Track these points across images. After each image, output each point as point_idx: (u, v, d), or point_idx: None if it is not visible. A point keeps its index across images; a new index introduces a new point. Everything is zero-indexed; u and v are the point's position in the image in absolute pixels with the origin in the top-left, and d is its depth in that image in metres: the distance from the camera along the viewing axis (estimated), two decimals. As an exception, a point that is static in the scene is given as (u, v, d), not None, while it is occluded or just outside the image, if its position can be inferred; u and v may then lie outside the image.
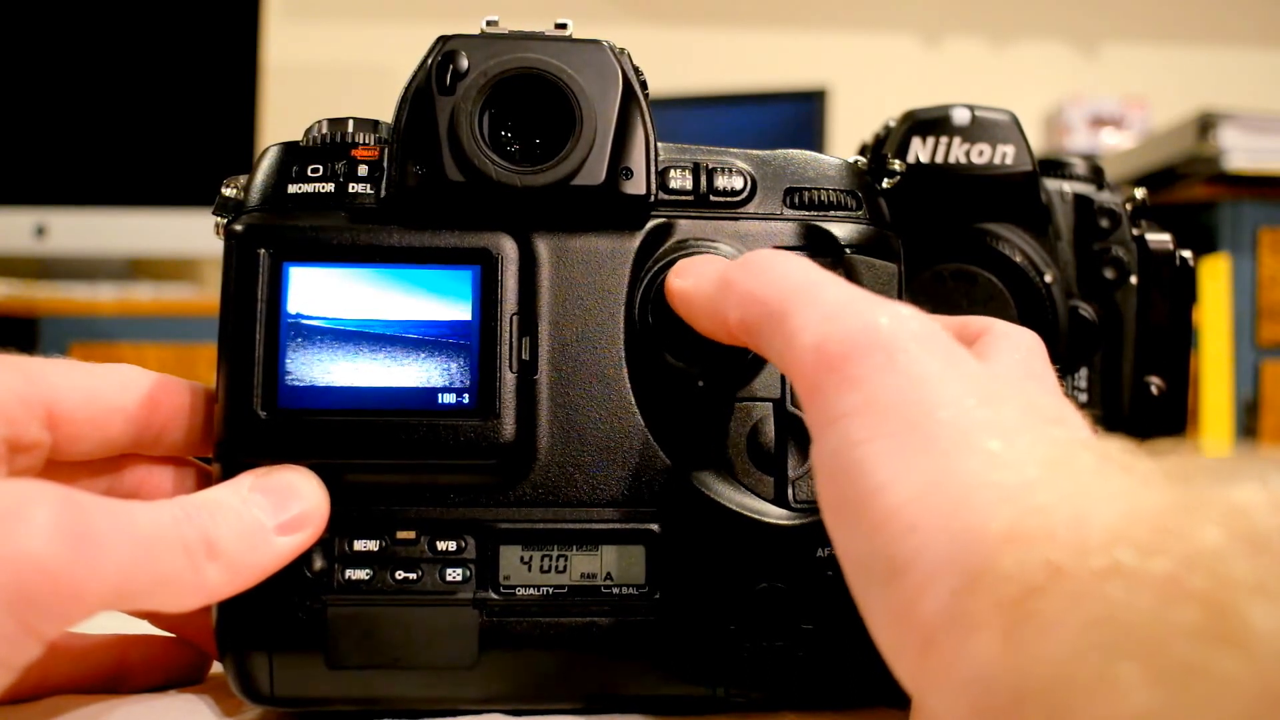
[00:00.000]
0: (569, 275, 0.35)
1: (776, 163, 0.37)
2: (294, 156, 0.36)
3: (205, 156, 2.04)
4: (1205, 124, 1.91)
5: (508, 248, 0.35)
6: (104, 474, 0.35)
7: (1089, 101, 2.51)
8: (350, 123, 0.36)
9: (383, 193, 0.35)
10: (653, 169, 0.36)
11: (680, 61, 2.43)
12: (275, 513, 0.32)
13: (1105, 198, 0.52)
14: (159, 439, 0.35)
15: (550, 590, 0.34)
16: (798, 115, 2.27)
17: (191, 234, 1.97)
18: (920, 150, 0.49)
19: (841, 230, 0.37)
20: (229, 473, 0.33)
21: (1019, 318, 0.48)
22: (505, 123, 0.35)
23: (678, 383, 0.35)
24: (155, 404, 0.34)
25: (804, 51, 2.58)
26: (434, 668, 0.34)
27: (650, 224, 0.36)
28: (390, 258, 0.34)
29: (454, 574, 0.34)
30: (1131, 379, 0.52)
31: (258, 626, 0.33)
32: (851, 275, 0.36)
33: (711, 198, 0.37)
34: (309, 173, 0.35)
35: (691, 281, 0.33)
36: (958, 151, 0.49)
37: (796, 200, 0.37)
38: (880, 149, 0.51)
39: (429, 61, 0.35)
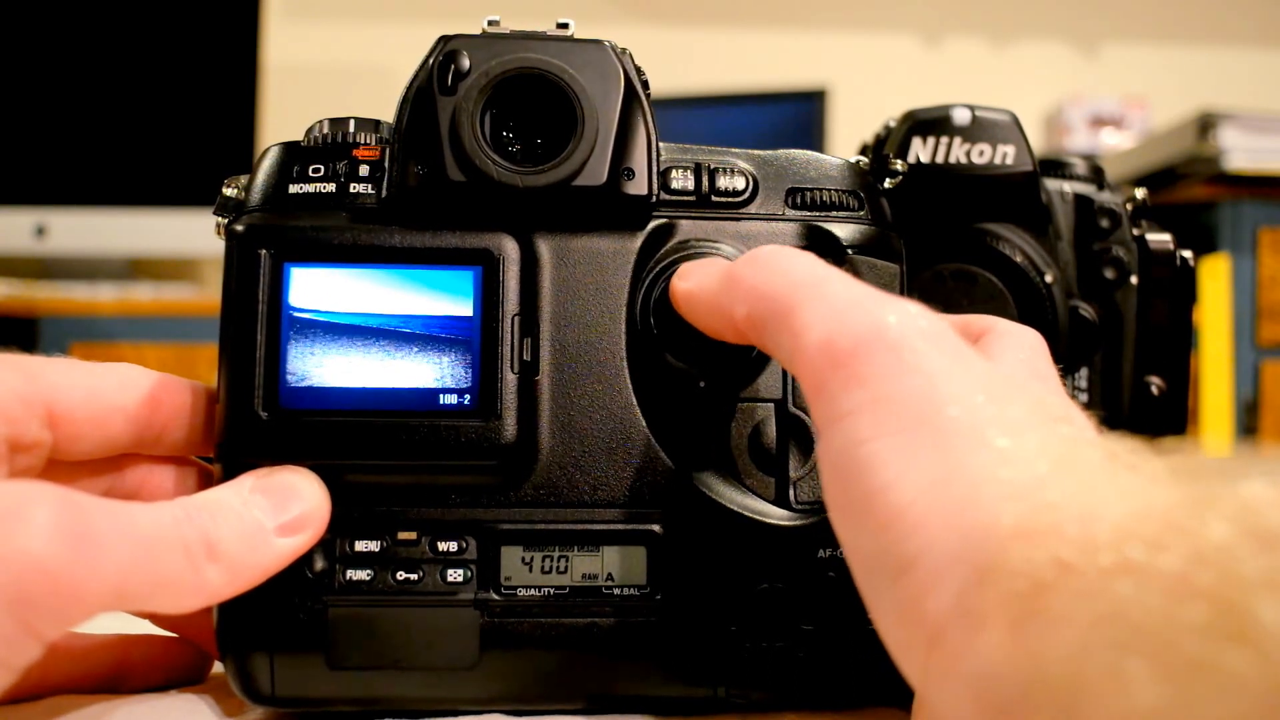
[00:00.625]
0: (570, 276, 0.35)
1: (778, 163, 0.37)
2: (295, 156, 0.36)
3: (205, 156, 2.04)
4: (1205, 124, 1.92)
5: (509, 248, 0.35)
6: (105, 473, 0.35)
7: (1089, 101, 2.51)
8: (351, 123, 0.36)
9: (384, 193, 0.35)
10: (654, 169, 0.36)
11: (681, 61, 2.43)
12: (276, 514, 0.31)
13: (1105, 198, 0.52)
14: (160, 438, 0.35)
15: (551, 591, 0.34)
16: (798, 115, 2.27)
17: (191, 234, 1.97)
18: (921, 150, 0.49)
19: (843, 230, 0.37)
20: (230, 473, 0.33)
21: (1019, 318, 0.48)
22: (507, 123, 0.35)
23: (679, 383, 0.35)
24: (156, 403, 0.34)
25: (804, 51, 2.58)
26: (435, 668, 0.34)
27: (652, 224, 0.36)
28: (391, 258, 0.34)
29: (455, 574, 0.34)
30: (1132, 379, 0.52)
31: (259, 627, 0.33)
32: (854, 276, 0.36)
33: (713, 198, 0.36)
34: (310, 173, 0.35)
35: (695, 281, 0.33)
36: (958, 151, 0.49)
37: (798, 200, 0.37)
38: (881, 149, 0.51)
39: (430, 61, 0.35)
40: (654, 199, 0.36)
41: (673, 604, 0.34)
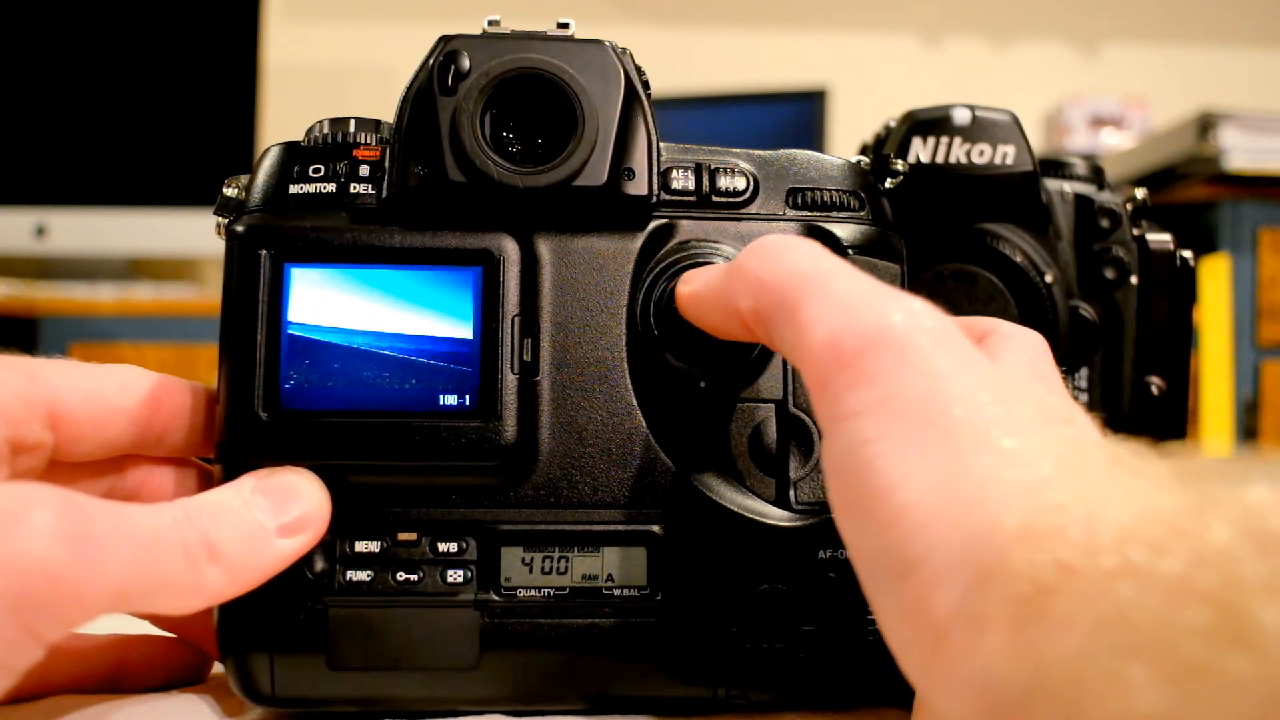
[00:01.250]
0: (571, 276, 0.35)
1: (779, 163, 0.37)
2: (295, 156, 0.36)
3: (205, 156, 2.04)
4: (1205, 124, 1.92)
5: (509, 249, 0.35)
6: (106, 475, 0.35)
7: (1089, 101, 2.51)
8: (352, 123, 0.36)
9: (384, 193, 0.35)
10: (655, 169, 0.36)
11: (681, 61, 2.43)
12: (276, 514, 0.31)
13: (1105, 198, 0.52)
14: (161, 439, 0.35)
15: (551, 592, 0.34)
16: (798, 115, 2.27)
17: (191, 234, 1.97)
18: (921, 150, 0.49)
19: (844, 231, 0.37)
20: (230, 474, 0.33)
21: (1019, 318, 0.49)
22: (507, 123, 0.35)
23: (680, 384, 0.35)
24: (157, 404, 0.34)
25: (804, 51, 2.58)
26: (435, 669, 0.34)
27: (652, 225, 0.36)
28: (391, 258, 0.34)
29: (455, 575, 0.34)
30: (1132, 379, 0.52)
31: (259, 627, 0.33)
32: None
33: (714, 198, 0.36)
34: (310, 173, 0.35)
35: (701, 282, 0.33)
36: (958, 151, 0.49)
37: (799, 201, 0.37)
38: (881, 149, 0.51)
39: (430, 61, 0.35)
40: (654, 199, 0.36)
41: (673, 605, 0.34)
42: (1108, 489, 0.23)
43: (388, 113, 0.36)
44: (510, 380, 0.34)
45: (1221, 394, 1.94)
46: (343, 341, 0.34)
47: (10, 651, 0.26)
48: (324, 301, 0.34)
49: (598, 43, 0.35)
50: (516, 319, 0.35)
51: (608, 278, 0.35)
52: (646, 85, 0.36)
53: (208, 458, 0.36)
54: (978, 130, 0.49)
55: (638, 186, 0.35)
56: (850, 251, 0.36)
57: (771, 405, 0.36)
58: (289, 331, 0.34)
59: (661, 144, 0.36)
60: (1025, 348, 0.34)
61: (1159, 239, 0.52)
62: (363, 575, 0.34)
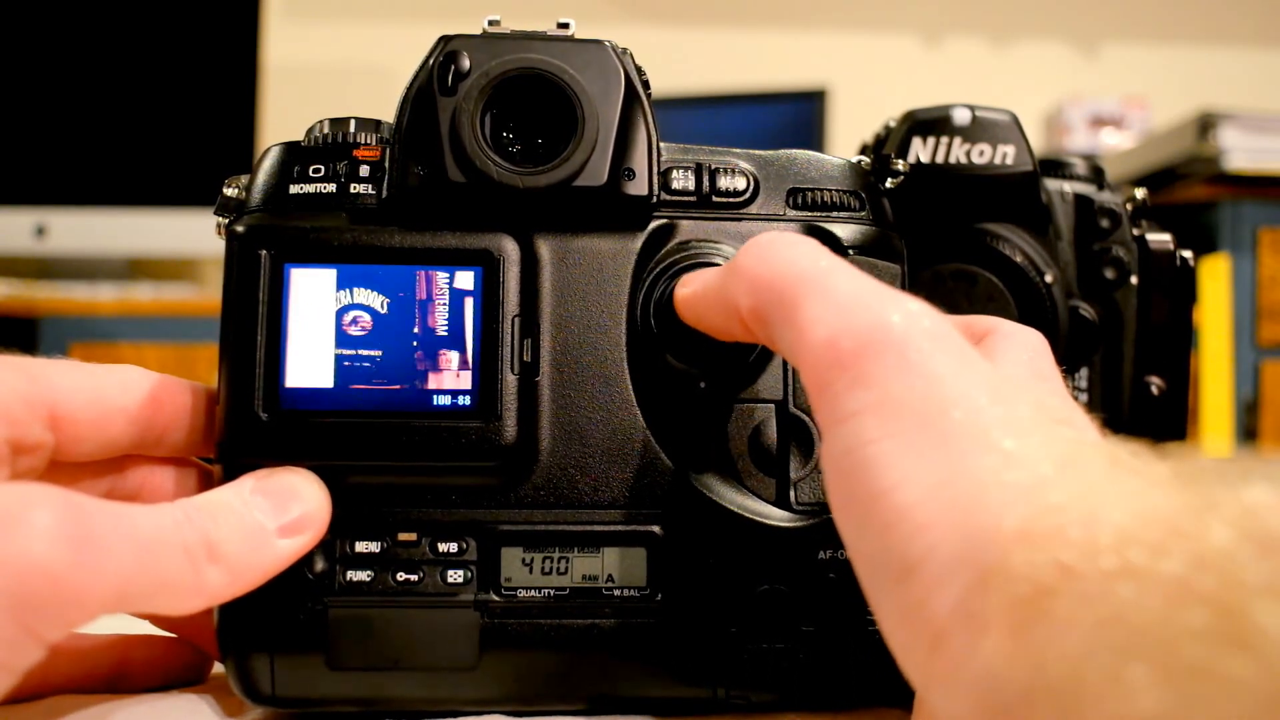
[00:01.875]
0: (571, 276, 0.35)
1: (779, 163, 0.37)
2: (295, 157, 0.36)
3: (205, 156, 2.04)
4: (1205, 124, 1.92)
5: (509, 249, 0.35)
6: (106, 475, 0.35)
7: (1089, 101, 2.51)
8: (352, 123, 0.36)
9: (384, 193, 0.35)
10: (655, 170, 0.36)
11: (680, 61, 2.43)
12: (277, 515, 0.31)
13: (1105, 198, 0.52)
14: (161, 440, 0.35)
15: (552, 592, 0.34)
16: (798, 115, 2.27)
17: (191, 234, 1.97)
18: (920, 150, 0.49)
19: (844, 231, 0.37)
20: (230, 474, 0.33)
21: (1019, 318, 0.48)
22: (507, 123, 0.35)
23: (680, 384, 0.35)
24: (157, 405, 0.34)
25: (804, 51, 2.58)
26: (435, 669, 0.34)
27: (652, 225, 0.36)
28: (391, 258, 0.34)
29: (455, 575, 0.34)
30: (1132, 379, 0.52)
31: (259, 627, 0.33)
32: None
33: (714, 198, 0.36)
34: (310, 173, 0.35)
35: (699, 283, 0.33)
36: (958, 151, 0.49)
37: (799, 201, 0.37)
38: (881, 149, 0.51)
39: (430, 62, 0.35)
40: (654, 199, 0.36)
41: (673, 605, 0.34)
42: (1107, 490, 0.23)
43: (388, 113, 0.36)
44: (510, 380, 0.34)
45: (1221, 394, 1.94)
46: (342, 342, 0.34)
47: (10, 651, 0.26)
48: (324, 302, 0.34)
49: (598, 43, 0.35)
50: (516, 319, 0.35)
51: (608, 278, 0.35)
52: (646, 85, 0.36)
53: (208, 458, 0.36)
54: (978, 130, 0.49)
55: (638, 186, 0.35)
56: (850, 251, 0.36)
57: (771, 405, 0.36)
58: (289, 331, 0.34)
59: (661, 144, 0.36)
60: (1025, 347, 0.34)
61: (1159, 239, 0.52)
62: (363, 575, 0.34)
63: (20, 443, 0.32)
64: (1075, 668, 0.21)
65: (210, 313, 1.75)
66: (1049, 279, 0.50)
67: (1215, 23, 2.66)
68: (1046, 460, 0.24)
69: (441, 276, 0.34)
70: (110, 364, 0.35)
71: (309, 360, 0.34)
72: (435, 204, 0.35)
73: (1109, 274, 0.52)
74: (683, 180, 0.36)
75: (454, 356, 0.34)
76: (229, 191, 0.36)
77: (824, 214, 0.37)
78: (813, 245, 0.30)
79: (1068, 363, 0.51)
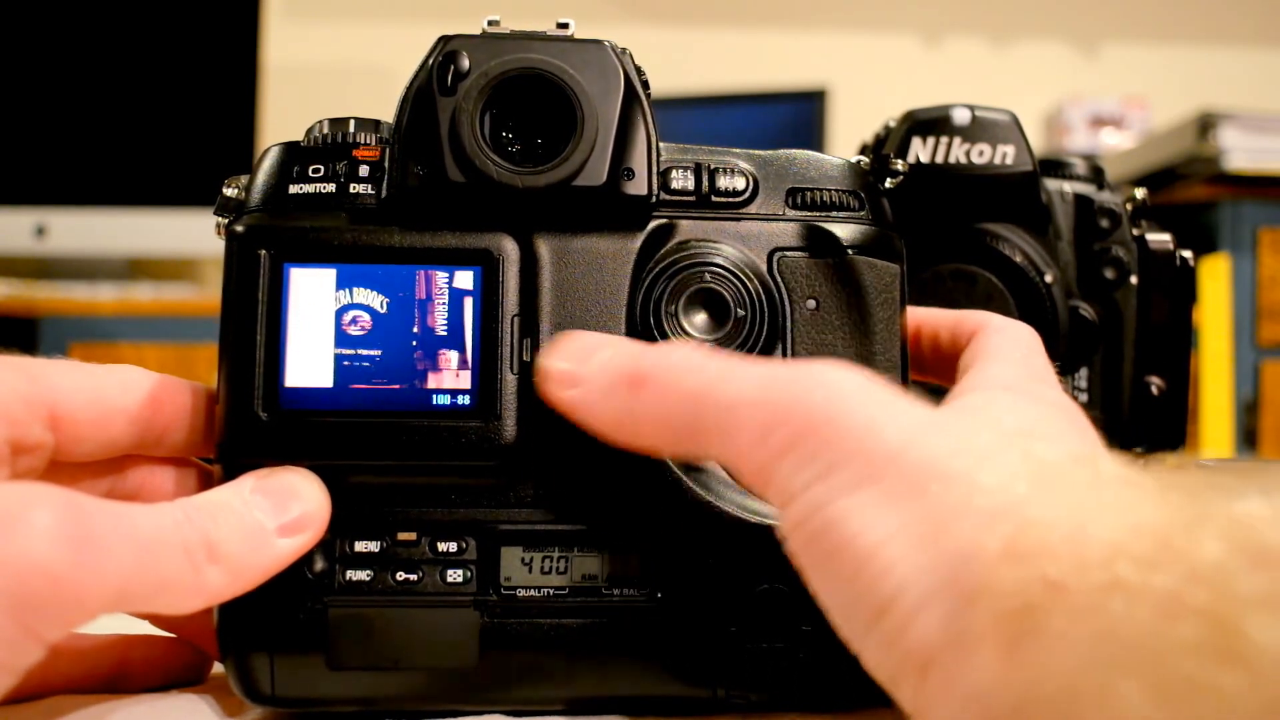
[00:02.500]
0: (570, 276, 0.35)
1: (779, 163, 0.37)
2: (295, 157, 0.36)
3: (205, 156, 2.04)
4: (1205, 124, 1.92)
5: (509, 248, 0.35)
6: (106, 475, 0.35)
7: (1089, 101, 2.51)
8: (351, 123, 0.36)
9: (384, 193, 0.35)
10: (654, 169, 0.36)
11: (680, 61, 2.43)
12: (276, 514, 0.31)
13: (1105, 198, 0.52)
14: (161, 440, 0.35)
15: (551, 592, 0.34)
16: (798, 115, 2.27)
17: (191, 234, 1.97)
18: (920, 150, 0.49)
19: (844, 231, 0.37)
20: (230, 474, 0.33)
21: (1019, 318, 0.48)
22: (506, 123, 0.35)
23: (679, 383, 0.35)
24: (157, 405, 0.34)
25: (804, 51, 2.58)
26: (435, 669, 0.34)
27: (652, 225, 0.36)
28: (391, 258, 0.34)
29: (455, 575, 0.34)
30: (1131, 379, 0.52)
31: (259, 627, 0.33)
32: (854, 276, 0.36)
33: (713, 198, 0.36)
34: (310, 173, 0.35)
35: (580, 393, 0.32)
36: (958, 151, 0.49)
37: (799, 200, 0.37)
38: (881, 149, 0.51)
39: (430, 61, 0.35)
40: (654, 199, 0.36)
41: (672, 605, 0.34)
42: (1092, 503, 0.23)
43: (388, 113, 0.36)
44: (510, 380, 0.34)
45: (1221, 394, 1.94)
46: (341, 341, 0.34)
47: (10, 651, 0.26)
48: (323, 301, 0.34)
49: (597, 43, 0.35)
50: (516, 319, 0.35)
51: (607, 278, 0.35)
52: (646, 85, 0.36)
53: (208, 458, 0.36)
54: (977, 130, 0.49)
55: (637, 186, 0.35)
56: (849, 251, 0.36)
57: (771, 405, 0.36)
58: (288, 331, 0.34)
59: (661, 144, 0.36)
60: (1017, 342, 0.34)
61: (1159, 239, 0.52)
62: (362, 575, 0.34)
63: (20, 443, 0.32)
64: (1067, 683, 0.21)
65: (210, 313, 1.75)
66: (1049, 279, 0.50)
67: (1215, 23, 2.66)
68: (1019, 480, 0.24)
69: (441, 276, 0.34)
70: (110, 364, 0.35)
71: (308, 360, 0.34)
72: (435, 204, 0.35)
73: (1109, 274, 0.52)
74: (682, 180, 0.36)
75: (453, 356, 0.34)
76: (229, 191, 0.36)
77: (823, 214, 0.37)
78: (688, 354, 0.30)
79: (1068, 363, 0.51)
